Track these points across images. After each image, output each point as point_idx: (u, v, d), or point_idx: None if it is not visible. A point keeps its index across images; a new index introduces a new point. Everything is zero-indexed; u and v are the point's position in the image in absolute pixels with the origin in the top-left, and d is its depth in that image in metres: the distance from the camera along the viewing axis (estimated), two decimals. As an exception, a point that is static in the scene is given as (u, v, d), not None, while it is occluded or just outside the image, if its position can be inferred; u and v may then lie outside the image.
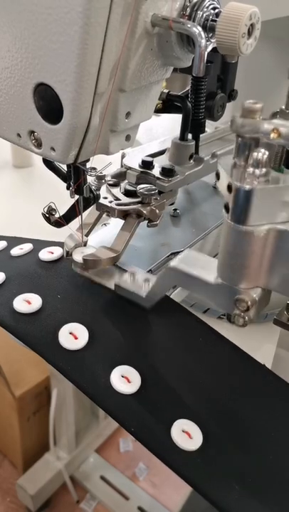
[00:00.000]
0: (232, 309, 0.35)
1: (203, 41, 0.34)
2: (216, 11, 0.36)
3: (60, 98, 0.33)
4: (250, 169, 0.31)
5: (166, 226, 0.55)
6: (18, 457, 1.38)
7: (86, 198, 0.44)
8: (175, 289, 0.52)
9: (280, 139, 0.29)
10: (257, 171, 0.31)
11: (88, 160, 0.40)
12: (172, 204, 0.53)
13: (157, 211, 0.47)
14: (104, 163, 0.44)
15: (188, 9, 0.36)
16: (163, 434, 0.34)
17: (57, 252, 0.47)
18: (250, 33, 0.35)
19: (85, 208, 0.44)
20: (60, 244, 0.48)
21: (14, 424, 1.30)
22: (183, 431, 0.34)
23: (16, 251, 0.48)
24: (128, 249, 0.46)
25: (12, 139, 0.38)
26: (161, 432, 0.34)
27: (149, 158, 0.52)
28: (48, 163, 0.43)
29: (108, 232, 0.52)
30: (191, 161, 0.55)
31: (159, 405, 0.36)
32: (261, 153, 0.30)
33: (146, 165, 0.51)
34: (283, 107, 0.37)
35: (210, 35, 0.36)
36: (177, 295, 0.52)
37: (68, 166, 0.41)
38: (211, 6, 0.36)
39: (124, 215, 0.47)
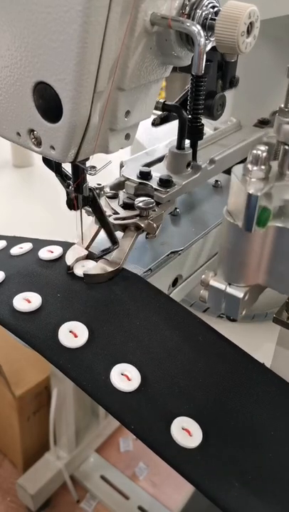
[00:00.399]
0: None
1: (203, 40, 0.34)
2: (215, 9, 0.36)
3: (59, 97, 0.33)
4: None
5: (166, 225, 0.55)
6: (19, 457, 1.38)
7: (86, 197, 0.44)
8: (175, 287, 0.52)
9: None
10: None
11: (88, 159, 0.40)
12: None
13: (154, 225, 0.48)
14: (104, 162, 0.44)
15: (188, 8, 0.36)
16: (163, 432, 0.34)
17: (57, 251, 0.47)
18: (249, 32, 0.35)
19: (84, 205, 0.45)
20: (60, 244, 0.48)
21: (14, 424, 1.30)
22: (183, 428, 0.34)
23: (15, 250, 0.48)
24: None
25: (12, 137, 0.38)
26: (161, 429, 0.34)
27: (147, 169, 0.53)
28: (48, 163, 0.43)
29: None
30: (189, 169, 0.55)
31: (159, 403, 0.36)
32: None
33: (144, 176, 0.52)
34: (282, 106, 0.37)
35: (209, 33, 0.36)
36: (177, 294, 0.53)
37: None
38: (210, 5, 0.36)
39: (123, 228, 0.48)
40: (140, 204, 0.48)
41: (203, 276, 0.38)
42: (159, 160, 0.57)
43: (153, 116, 0.55)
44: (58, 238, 0.49)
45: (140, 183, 0.52)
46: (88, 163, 0.41)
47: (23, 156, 1.10)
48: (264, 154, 0.32)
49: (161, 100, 0.55)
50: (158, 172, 0.53)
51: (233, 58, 0.57)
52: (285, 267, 0.35)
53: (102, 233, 0.48)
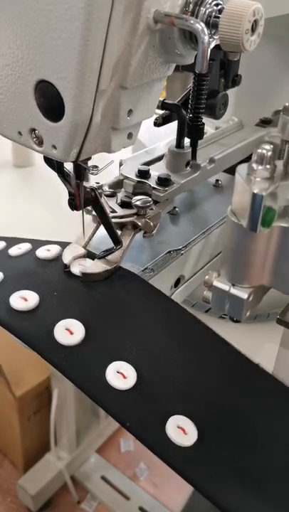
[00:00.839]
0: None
1: (206, 37, 0.34)
2: (219, 7, 0.36)
3: (61, 95, 0.33)
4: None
5: (164, 224, 0.55)
6: (19, 457, 1.38)
7: (88, 197, 0.44)
8: (177, 288, 0.52)
9: None
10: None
11: (90, 158, 0.39)
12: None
13: (152, 224, 0.48)
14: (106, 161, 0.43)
15: (191, 5, 0.35)
16: (158, 430, 0.34)
17: (54, 249, 0.47)
18: (253, 30, 0.35)
19: (86, 205, 0.44)
20: (58, 243, 0.48)
21: (15, 424, 1.30)
22: (178, 426, 0.34)
23: (14, 251, 0.48)
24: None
25: (13, 137, 0.38)
26: (156, 427, 0.34)
27: (146, 168, 0.52)
28: (50, 162, 0.43)
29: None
30: (188, 168, 0.55)
31: (155, 401, 0.35)
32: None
33: (143, 174, 0.52)
34: (287, 104, 0.36)
35: (213, 31, 0.36)
36: (179, 295, 0.52)
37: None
38: (214, 3, 0.36)
39: (121, 226, 0.48)
40: (137, 203, 0.47)
41: (206, 276, 0.38)
42: (159, 159, 0.57)
43: (155, 116, 0.55)
44: (59, 238, 0.49)
45: (138, 181, 0.51)
46: (90, 163, 0.41)
47: (24, 156, 1.10)
48: (269, 153, 0.32)
49: (161, 99, 0.54)
50: (157, 171, 0.53)
51: (235, 57, 0.57)
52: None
53: (100, 231, 0.48)
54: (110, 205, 0.49)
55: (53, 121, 0.34)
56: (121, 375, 0.36)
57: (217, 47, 0.37)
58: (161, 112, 0.55)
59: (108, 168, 0.44)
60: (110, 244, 0.46)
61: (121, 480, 1.41)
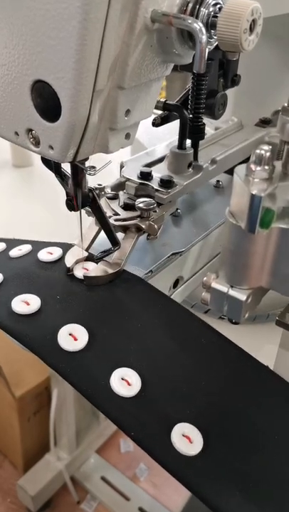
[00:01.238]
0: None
1: (204, 37, 0.34)
2: (218, 6, 0.35)
3: (58, 95, 0.32)
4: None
5: (167, 226, 0.54)
6: (19, 458, 1.38)
7: (85, 198, 0.43)
8: (176, 289, 0.52)
9: None
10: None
11: (87, 159, 0.39)
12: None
13: (156, 226, 0.47)
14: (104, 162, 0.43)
15: (190, 5, 0.35)
16: (163, 439, 0.33)
17: (56, 252, 0.47)
18: (251, 29, 0.34)
19: (84, 206, 0.44)
20: (60, 245, 0.48)
21: (14, 425, 1.30)
22: (183, 435, 0.33)
23: (14, 252, 0.48)
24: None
25: (10, 137, 0.38)
26: (161, 436, 0.33)
27: (148, 169, 0.52)
28: (48, 163, 0.43)
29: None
30: (190, 169, 0.54)
31: (159, 409, 0.35)
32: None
33: (145, 176, 0.51)
34: (286, 104, 0.36)
35: (211, 31, 0.35)
36: (178, 296, 0.52)
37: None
38: (212, 2, 0.35)
39: (124, 229, 0.47)
40: (141, 205, 0.47)
41: (204, 278, 0.37)
42: (160, 160, 0.56)
43: (153, 116, 0.55)
44: (58, 239, 0.49)
45: (141, 183, 0.51)
46: (88, 163, 0.40)
47: (23, 156, 1.10)
48: (268, 154, 0.32)
49: (162, 99, 0.54)
50: (159, 172, 0.52)
51: (234, 57, 0.57)
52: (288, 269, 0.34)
53: (103, 234, 0.48)
54: (113, 207, 0.49)
55: (50, 122, 0.34)
56: (126, 382, 0.36)
57: (216, 47, 0.36)
58: (159, 112, 0.55)
59: (109, 169, 0.44)
60: (109, 245, 0.45)
61: (121, 480, 1.41)
